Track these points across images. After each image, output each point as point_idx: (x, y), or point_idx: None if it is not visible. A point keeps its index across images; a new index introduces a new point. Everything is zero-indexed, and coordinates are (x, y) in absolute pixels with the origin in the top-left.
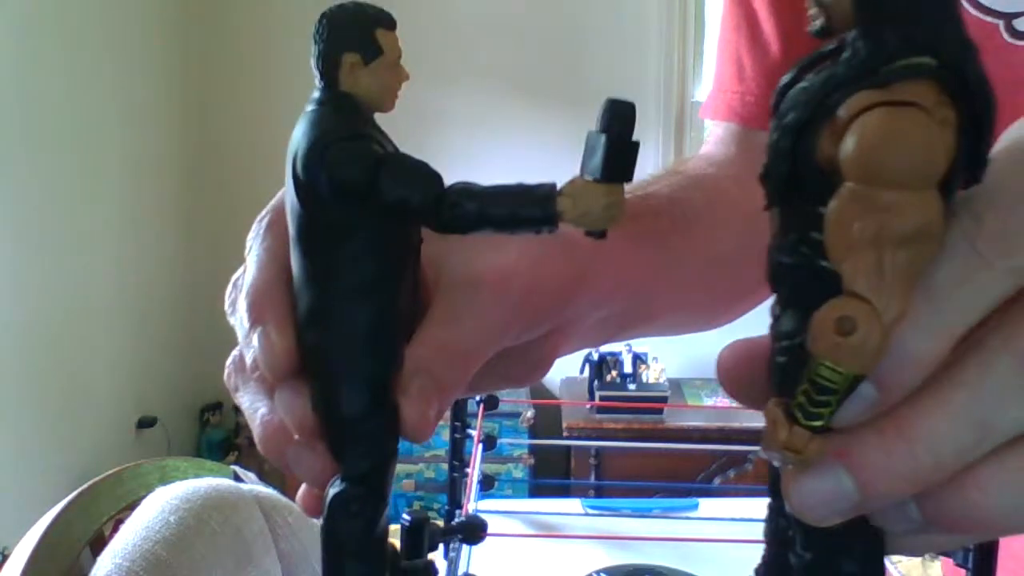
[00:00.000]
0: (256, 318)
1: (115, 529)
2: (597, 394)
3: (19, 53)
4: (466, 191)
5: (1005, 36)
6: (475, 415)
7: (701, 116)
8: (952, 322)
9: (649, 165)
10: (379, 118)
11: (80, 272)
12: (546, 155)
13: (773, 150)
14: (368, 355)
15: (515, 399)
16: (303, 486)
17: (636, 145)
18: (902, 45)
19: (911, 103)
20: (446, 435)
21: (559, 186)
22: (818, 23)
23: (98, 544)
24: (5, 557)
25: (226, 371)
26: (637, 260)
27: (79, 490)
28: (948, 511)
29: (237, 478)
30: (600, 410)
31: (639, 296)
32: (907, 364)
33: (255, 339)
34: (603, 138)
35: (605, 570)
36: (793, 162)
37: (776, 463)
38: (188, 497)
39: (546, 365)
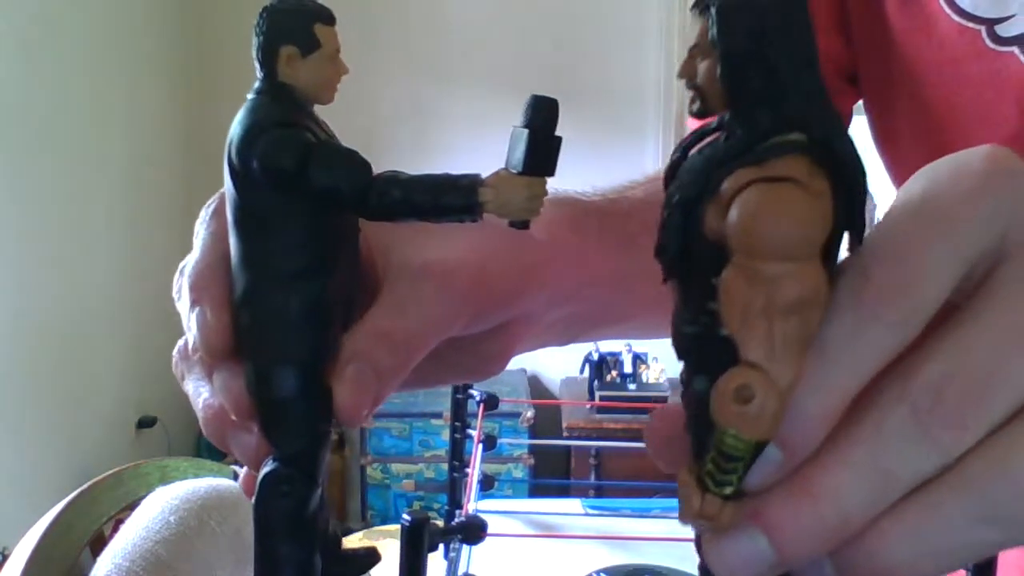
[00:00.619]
0: (195, 299)
1: (115, 529)
2: (597, 394)
3: (19, 53)
4: (393, 179)
5: (988, 42)
6: (475, 415)
7: (688, 123)
8: (845, 379)
9: (649, 166)
10: (382, 116)
11: (80, 272)
12: None
13: (665, 227)
14: (299, 340)
15: (515, 399)
16: (244, 469)
17: (558, 140)
18: (773, 124)
19: (786, 178)
20: (446, 435)
21: (484, 177)
22: (695, 106)
23: (98, 544)
24: (5, 557)
25: (173, 360)
26: (604, 261)
27: (79, 490)
28: (856, 565)
29: (237, 478)
30: (600, 410)
31: (607, 296)
32: (806, 424)
33: (193, 319)
34: (526, 132)
35: (605, 570)
36: (684, 237)
37: (694, 529)
38: (188, 497)
39: (502, 359)
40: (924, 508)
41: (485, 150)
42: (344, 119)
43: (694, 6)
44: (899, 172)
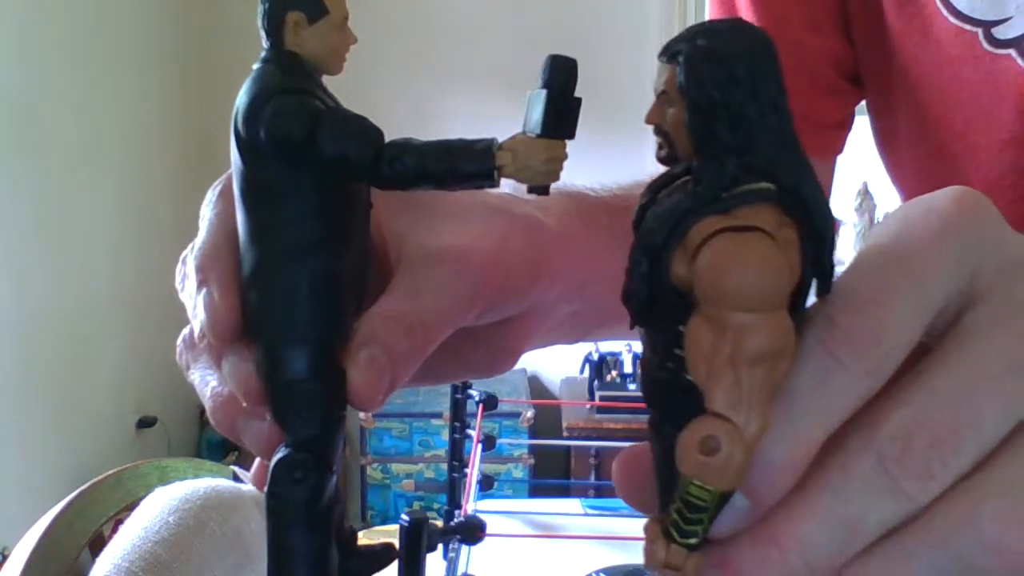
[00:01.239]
0: (201, 279)
1: (115, 529)
2: (597, 394)
3: (17, 51)
4: (405, 146)
5: (985, 45)
6: (475, 415)
7: None
8: (813, 428)
9: (650, 166)
10: (380, 116)
11: (80, 272)
12: None
13: (632, 273)
14: (310, 316)
15: (515, 399)
16: (256, 463)
17: (578, 101)
18: (741, 172)
19: (754, 227)
20: (446, 435)
21: (500, 141)
22: (663, 152)
23: (98, 544)
24: (5, 557)
25: (177, 350)
26: (612, 256)
27: (79, 490)
28: None
29: (236, 478)
30: (600, 410)
31: (614, 295)
32: (773, 473)
33: (199, 301)
34: (544, 93)
35: (605, 570)
36: (651, 284)
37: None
38: (187, 497)
39: (513, 355)
40: (891, 559)
41: None
42: None
43: (662, 53)
44: (898, 173)
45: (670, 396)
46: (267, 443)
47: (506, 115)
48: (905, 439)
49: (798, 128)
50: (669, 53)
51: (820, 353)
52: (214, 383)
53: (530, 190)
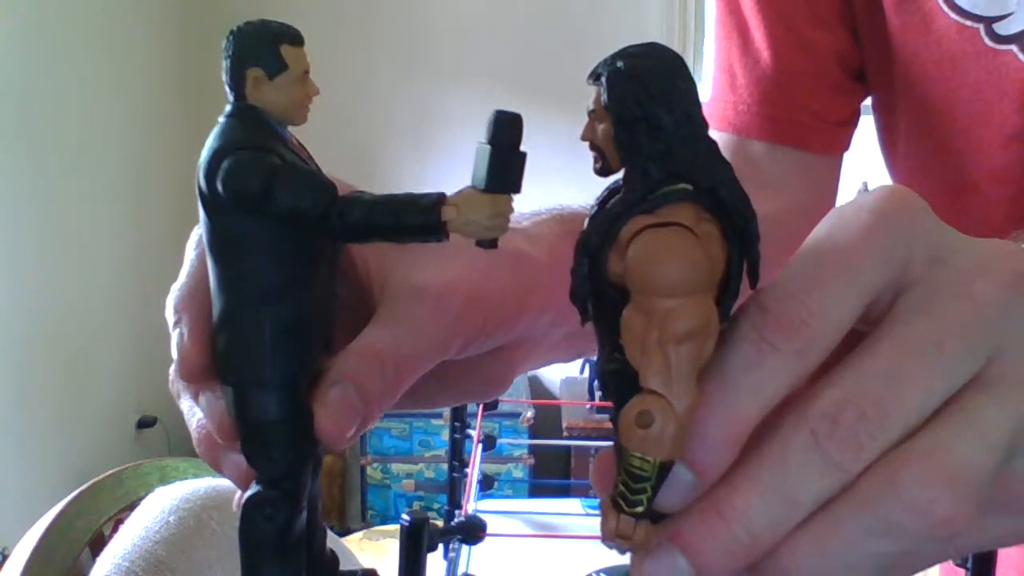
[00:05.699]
0: (175, 321)
1: (115, 529)
2: (597, 394)
3: (18, 54)
4: (355, 200)
5: (986, 40)
6: (475, 415)
7: None
8: (746, 405)
9: None
10: (382, 116)
11: (80, 272)
12: (545, 155)
13: (575, 275)
14: (274, 360)
15: (515, 399)
16: (238, 494)
17: (523, 156)
18: (664, 177)
19: (675, 223)
20: (446, 435)
21: (448, 195)
22: (598, 165)
23: (98, 544)
24: (5, 557)
25: (170, 379)
26: None
27: (79, 490)
28: None
29: None
30: (600, 410)
31: None
32: (712, 447)
33: (173, 341)
34: (489, 149)
35: (605, 570)
36: (592, 283)
37: (615, 551)
38: (188, 497)
39: (505, 381)
40: (826, 525)
41: None
42: (344, 120)
43: (590, 75)
44: (898, 171)
45: (621, 385)
46: (244, 476)
47: None
48: (835, 415)
49: (807, 125)
50: (594, 75)
51: (753, 337)
52: (199, 415)
53: (478, 243)
